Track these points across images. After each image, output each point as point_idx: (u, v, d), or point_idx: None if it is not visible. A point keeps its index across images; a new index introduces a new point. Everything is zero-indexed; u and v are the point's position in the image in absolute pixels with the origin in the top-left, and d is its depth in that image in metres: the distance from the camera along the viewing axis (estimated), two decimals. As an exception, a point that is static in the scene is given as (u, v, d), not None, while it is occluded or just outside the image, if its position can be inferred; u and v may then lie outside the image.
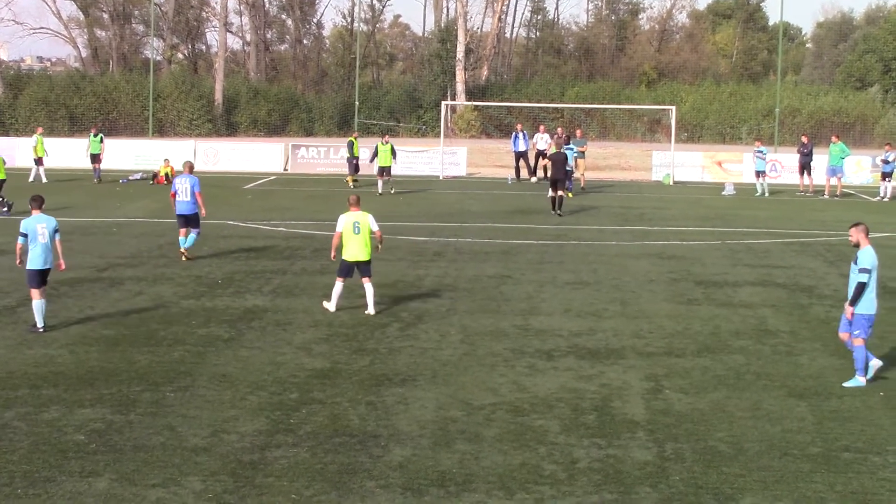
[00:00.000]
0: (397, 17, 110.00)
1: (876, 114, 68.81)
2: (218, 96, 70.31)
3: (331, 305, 18.53)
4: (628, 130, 68.63)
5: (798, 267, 24.00)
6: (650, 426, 12.60)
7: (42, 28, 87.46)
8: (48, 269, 17.11)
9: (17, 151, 48.73)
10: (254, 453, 11.52)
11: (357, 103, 63.68)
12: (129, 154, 48.41)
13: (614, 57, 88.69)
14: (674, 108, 51.77)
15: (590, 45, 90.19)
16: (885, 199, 39.22)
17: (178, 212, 23.68)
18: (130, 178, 43.60)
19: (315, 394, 13.71)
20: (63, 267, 17.46)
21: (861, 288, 14.15)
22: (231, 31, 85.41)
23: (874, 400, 13.82)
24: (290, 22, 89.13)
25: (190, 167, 24.24)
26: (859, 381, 14.29)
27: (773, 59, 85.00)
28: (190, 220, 23.68)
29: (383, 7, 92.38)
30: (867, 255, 14.26)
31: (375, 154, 38.96)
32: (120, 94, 67.68)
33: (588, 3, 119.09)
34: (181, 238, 23.74)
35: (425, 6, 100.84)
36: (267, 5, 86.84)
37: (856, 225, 14.61)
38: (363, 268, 18.44)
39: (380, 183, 38.24)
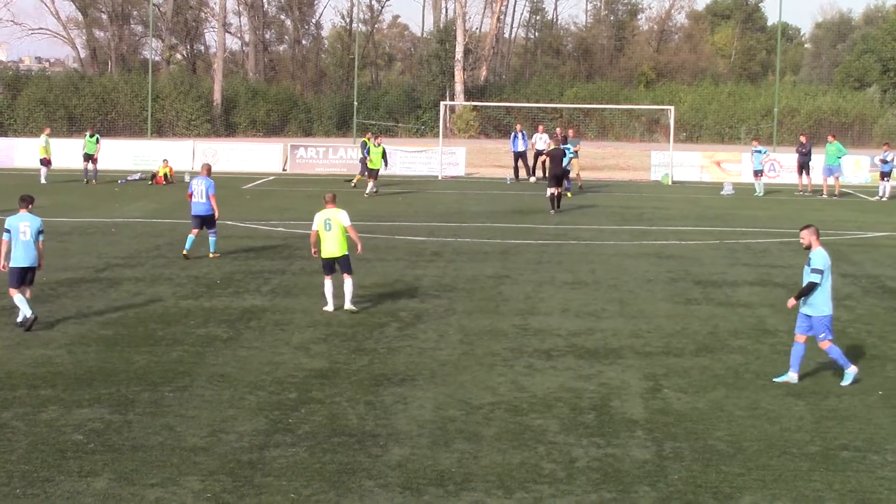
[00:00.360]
0: (396, 17, 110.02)
1: (874, 114, 68.84)
2: (217, 97, 70.28)
3: (328, 306, 18.55)
4: (627, 130, 68.62)
5: (796, 266, 23.87)
6: (649, 425, 12.60)
7: (41, 28, 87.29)
8: (30, 268, 17.15)
9: (15, 152, 48.77)
10: (252, 453, 11.52)
11: (356, 104, 63.67)
12: (127, 154, 48.37)
13: (613, 57, 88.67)
14: (672, 108, 51.79)
15: (588, 45, 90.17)
16: (884, 199, 39.24)
17: (194, 213, 24.02)
18: (129, 178, 43.57)
19: (314, 393, 13.70)
20: (41, 267, 17.59)
21: (811, 287, 14.16)
22: (230, 32, 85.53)
23: (872, 399, 13.83)
24: (288, 22, 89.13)
25: (207, 169, 24.63)
26: (850, 373, 14.29)
27: (771, 59, 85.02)
28: (206, 221, 24.01)
29: (382, 7, 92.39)
30: (819, 256, 14.30)
31: (367, 150, 38.86)
32: (118, 94, 67.63)
33: (587, 4, 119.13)
34: (190, 236, 23.93)
35: (424, 6, 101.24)
36: (266, 6, 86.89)
37: (806, 227, 14.63)
38: (341, 263, 18.48)
39: (370, 184, 38.20)
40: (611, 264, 23.96)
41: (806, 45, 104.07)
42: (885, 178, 39.78)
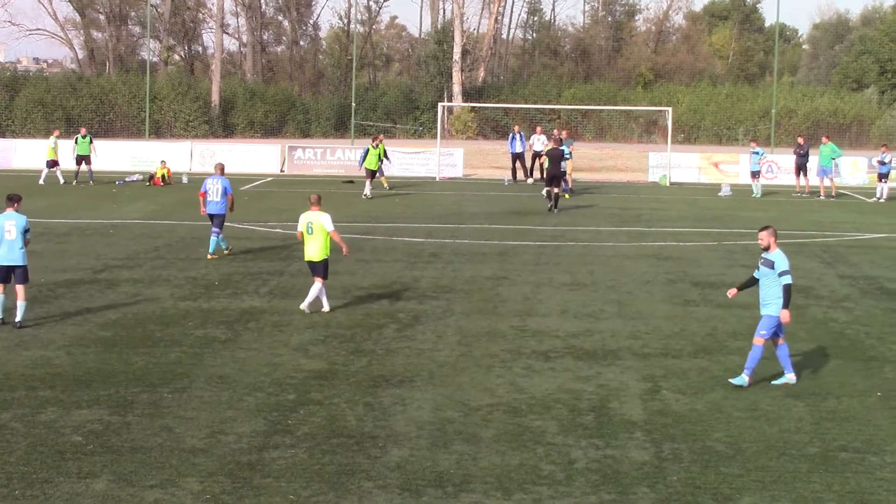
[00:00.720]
0: (394, 18, 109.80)
1: (872, 115, 68.91)
2: (214, 98, 70.26)
3: (325, 307, 18.55)
4: (625, 132, 68.65)
5: (795, 268, 23.78)
6: (648, 426, 12.61)
7: (38, 29, 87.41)
8: (11, 267, 17.15)
9: (13, 153, 48.74)
10: (251, 454, 11.52)
11: (354, 105, 63.69)
12: (125, 155, 48.31)
13: (611, 58, 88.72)
14: (670, 109, 51.81)
15: (586, 46, 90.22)
16: (882, 200, 39.25)
17: (208, 211, 24.13)
18: (127, 179, 43.54)
19: (312, 395, 13.70)
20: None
21: (789, 289, 14.16)
22: (227, 33, 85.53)
23: (871, 400, 13.85)
24: (286, 23, 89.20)
25: (221, 168, 24.86)
26: (744, 379, 14.22)
27: (769, 60, 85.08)
28: (214, 220, 24.07)
29: (380, 8, 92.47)
30: (782, 258, 14.32)
31: (365, 156, 38.72)
32: (116, 95, 67.61)
33: (584, 5, 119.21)
34: (212, 238, 24.07)
35: (422, 7, 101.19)
36: (263, 6, 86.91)
37: (765, 228, 14.61)
38: (315, 267, 18.50)
39: (367, 186, 38.14)
40: (609, 265, 23.97)
41: (804, 47, 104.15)
42: (883, 180, 39.79)
